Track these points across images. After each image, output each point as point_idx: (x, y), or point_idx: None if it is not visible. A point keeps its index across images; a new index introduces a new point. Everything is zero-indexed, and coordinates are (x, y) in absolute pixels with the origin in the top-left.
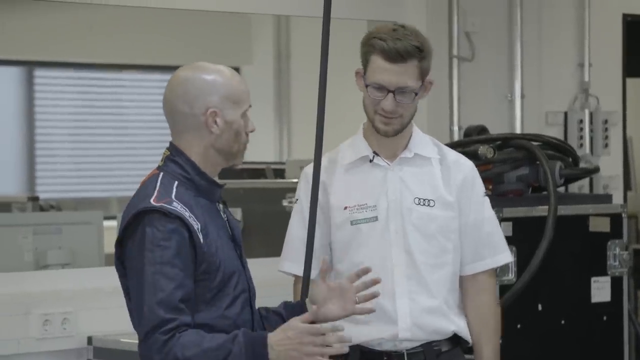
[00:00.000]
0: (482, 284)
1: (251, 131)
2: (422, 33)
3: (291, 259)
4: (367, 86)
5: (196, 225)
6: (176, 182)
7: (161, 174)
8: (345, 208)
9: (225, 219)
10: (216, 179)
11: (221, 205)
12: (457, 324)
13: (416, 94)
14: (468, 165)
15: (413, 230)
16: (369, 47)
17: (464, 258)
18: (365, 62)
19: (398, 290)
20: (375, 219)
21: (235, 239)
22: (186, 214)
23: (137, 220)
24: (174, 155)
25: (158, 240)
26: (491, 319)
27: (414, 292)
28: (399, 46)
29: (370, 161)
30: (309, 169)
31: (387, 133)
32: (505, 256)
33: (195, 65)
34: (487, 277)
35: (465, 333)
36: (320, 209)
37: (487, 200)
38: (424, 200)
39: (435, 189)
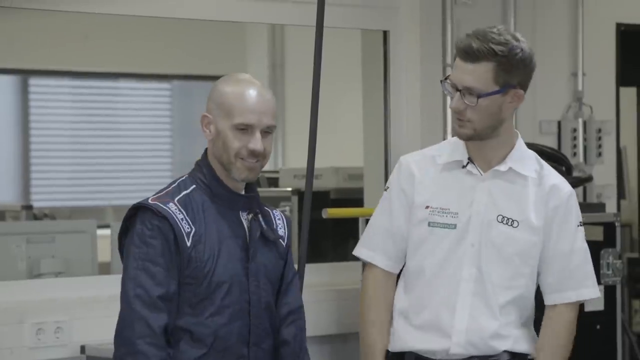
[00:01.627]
0: (560, 316)
1: (251, 149)
2: (524, 42)
3: (368, 246)
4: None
5: (188, 229)
6: (194, 186)
7: (185, 176)
8: (427, 207)
9: (247, 228)
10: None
11: (250, 215)
12: (514, 341)
13: (479, 97)
14: (566, 192)
15: (490, 248)
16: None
17: (547, 286)
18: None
19: (459, 305)
20: (454, 226)
21: (248, 250)
22: (179, 216)
23: (134, 215)
24: (201, 159)
25: (145, 236)
26: (559, 354)
27: (476, 310)
28: (474, 44)
29: (464, 167)
30: (406, 158)
31: (460, 136)
32: (591, 292)
33: (228, 75)
34: (567, 310)
35: (522, 347)
36: (407, 202)
37: (581, 230)
38: (508, 219)
39: (523, 210)
